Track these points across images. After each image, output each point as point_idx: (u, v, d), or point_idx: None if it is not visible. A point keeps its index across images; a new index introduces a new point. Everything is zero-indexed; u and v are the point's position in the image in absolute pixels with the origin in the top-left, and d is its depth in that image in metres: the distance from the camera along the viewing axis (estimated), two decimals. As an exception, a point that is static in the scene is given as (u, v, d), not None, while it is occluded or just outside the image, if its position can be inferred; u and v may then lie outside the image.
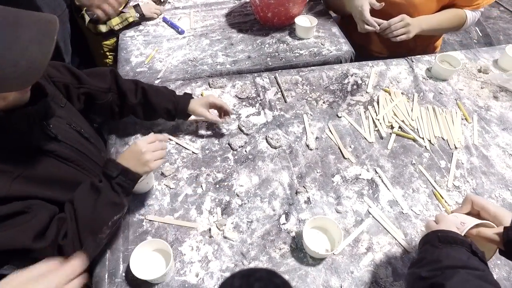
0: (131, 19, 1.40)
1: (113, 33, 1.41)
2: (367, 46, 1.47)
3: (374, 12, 1.23)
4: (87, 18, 1.34)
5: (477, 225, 0.59)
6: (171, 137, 1.03)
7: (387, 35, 1.23)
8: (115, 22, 1.38)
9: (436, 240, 0.57)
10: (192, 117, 1.02)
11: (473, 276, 0.50)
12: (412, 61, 1.31)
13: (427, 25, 1.24)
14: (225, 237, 0.83)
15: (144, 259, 0.78)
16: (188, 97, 0.99)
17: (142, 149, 0.75)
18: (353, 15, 1.28)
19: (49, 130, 0.73)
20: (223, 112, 1.02)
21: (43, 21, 0.59)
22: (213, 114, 1.01)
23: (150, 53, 1.30)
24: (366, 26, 1.23)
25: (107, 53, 1.56)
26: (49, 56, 0.58)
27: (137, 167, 0.75)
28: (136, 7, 1.41)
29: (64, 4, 1.32)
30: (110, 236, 0.80)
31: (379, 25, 1.21)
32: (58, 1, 1.29)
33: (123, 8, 1.44)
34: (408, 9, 1.26)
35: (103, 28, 1.37)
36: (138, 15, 1.41)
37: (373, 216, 0.88)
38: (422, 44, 1.42)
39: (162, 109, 0.96)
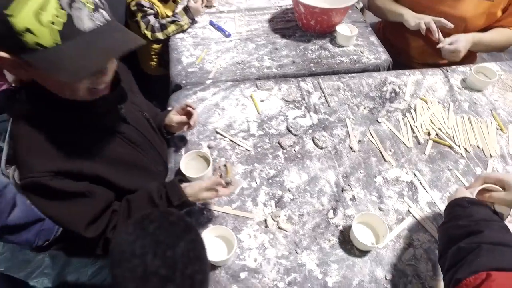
0: (185, 27, 1.49)
1: (167, 38, 1.49)
2: (408, 52, 1.51)
3: None
4: (142, 26, 1.43)
5: (486, 190, 0.73)
6: (224, 133, 1.12)
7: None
8: (171, 30, 1.47)
9: (465, 202, 0.69)
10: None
11: (502, 228, 0.62)
12: (447, 71, 1.37)
13: (477, 48, 1.32)
14: (279, 228, 0.92)
15: (208, 244, 0.88)
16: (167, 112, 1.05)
17: (206, 198, 0.83)
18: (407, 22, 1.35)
19: (121, 113, 0.81)
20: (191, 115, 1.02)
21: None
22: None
23: (200, 55, 1.39)
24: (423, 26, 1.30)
25: (153, 56, 1.66)
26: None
27: (195, 200, 0.84)
28: (187, 12, 1.48)
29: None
30: None
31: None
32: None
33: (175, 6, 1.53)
34: (457, 22, 1.30)
35: (160, 36, 1.46)
36: (190, 21, 1.50)
37: (413, 215, 0.96)
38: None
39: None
